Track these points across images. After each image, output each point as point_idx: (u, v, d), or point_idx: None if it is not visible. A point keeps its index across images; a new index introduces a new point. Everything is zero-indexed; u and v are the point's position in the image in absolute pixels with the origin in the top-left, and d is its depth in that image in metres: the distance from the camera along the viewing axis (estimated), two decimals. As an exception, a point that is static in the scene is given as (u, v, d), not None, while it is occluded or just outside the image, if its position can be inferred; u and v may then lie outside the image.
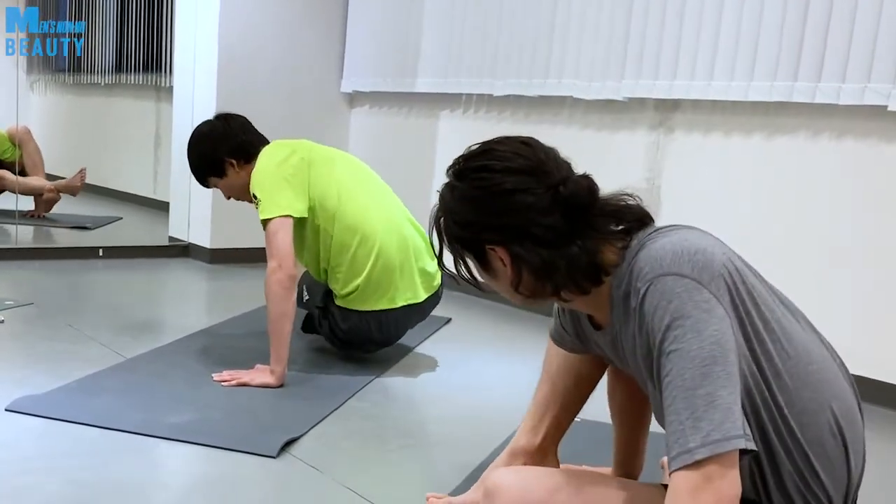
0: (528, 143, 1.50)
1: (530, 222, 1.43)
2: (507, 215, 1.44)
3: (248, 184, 2.97)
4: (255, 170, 2.94)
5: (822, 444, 1.41)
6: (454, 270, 1.55)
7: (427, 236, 3.20)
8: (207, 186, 3.14)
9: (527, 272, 1.47)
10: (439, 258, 1.57)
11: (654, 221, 1.51)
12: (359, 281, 2.98)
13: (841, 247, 3.16)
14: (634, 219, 1.48)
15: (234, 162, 3.00)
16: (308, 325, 3.26)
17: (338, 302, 3.06)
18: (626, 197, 1.50)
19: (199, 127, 3.14)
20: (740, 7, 3.38)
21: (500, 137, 1.53)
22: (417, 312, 3.13)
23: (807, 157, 3.27)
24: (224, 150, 3.00)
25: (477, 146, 1.52)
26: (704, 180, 3.59)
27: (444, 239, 1.53)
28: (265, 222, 2.83)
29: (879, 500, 2.31)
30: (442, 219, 1.53)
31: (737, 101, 3.44)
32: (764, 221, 3.37)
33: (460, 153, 1.54)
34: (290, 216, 2.84)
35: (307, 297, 3.22)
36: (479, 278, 1.55)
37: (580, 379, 1.84)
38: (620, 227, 1.47)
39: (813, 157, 3.25)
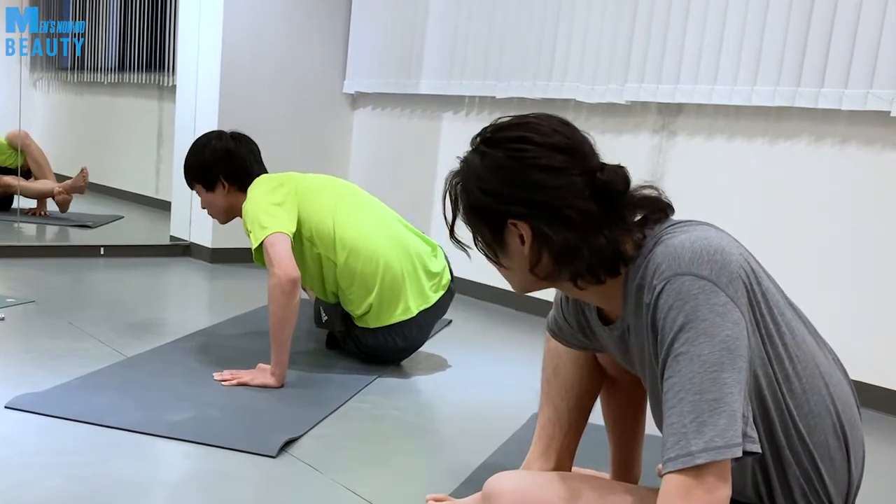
0: (567, 124, 1.47)
1: (563, 202, 1.40)
2: (540, 191, 1.40)
3: (230, 207, 3.07)
4: (244, 204, 2.97)
5: (826, 446, 1.42)
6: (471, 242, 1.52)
7: (425, 235, 3.22)
8: (192, 188, 3.18)
9: (547, 253, 1.43)
10: (451, 227, 1.52)
11: (674, 212, 1.49)
12: (371, 299, 2.99)
13: (843, 252, 3.16)
14: (659, 210, 1.46)
15: (226, 184, 3.06)
16: (331, 342, 3.28)
17: (358, 323, 3.08)
18: (648, 188, 1.48)
19: (209, 134, 3.17)
20: (744, 12, 3.38)
21: (539, 113, 1.49)
22: (435, 312, 3.14)
23: (809, 161, 3.27)
24: (223, 169, 3.05)
25: (509, 118, 1.48)
26: (707, 184, 3.59)
27: (461, 206, 1.48)
28: (260, 246, 2.83)
29: (879, 506, 2.31)
30: (460, 184, 1.48)
31: (740, 106, 3.45)
32: (766, 226, 3.36)
33: (489, 123, 1.49)
34: (284, 233, 2.84)
35: (325, 318, 3.26)
36: (496, 251, 1.50)
37: (580, 398, 1.83)
38: (642, 218, 1.45)
39: (815, 162, 3.25)
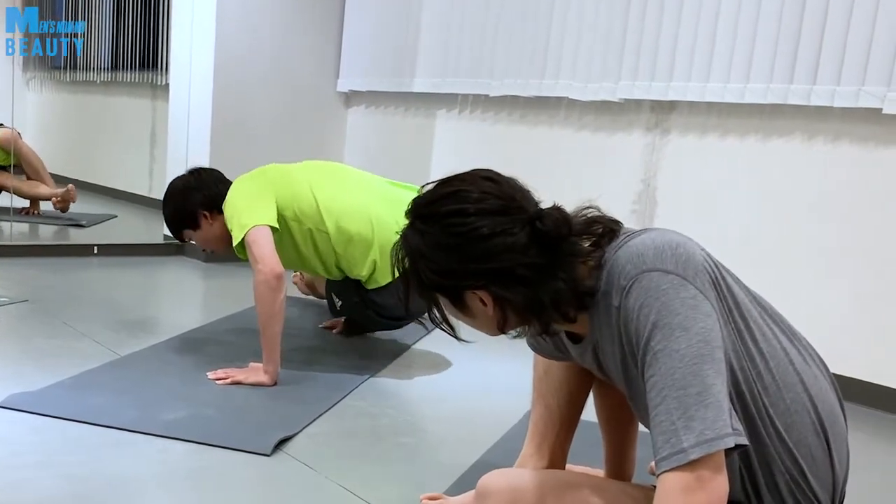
0: (494, 179, 1.45)
1: (514, 264, 1.39)
2: (489, 260, 1.40)
3: (222, 233, 3.05)
4: (224, 206, 2.99)
5: (806, 444, 1.41)
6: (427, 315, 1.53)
7: (411, 185, 3.24)
8: (183, 240, 3.20)
9: (512, 312, 1.45)
10: (406, 301, 1.52)
11: (622, 225, 1.49)
12: (372, 255, 3.01)
13: (835, 249, 3.16)
14: (609, 231, 1.46)
15: (206, 214, 3.07)
16: (351, 329, 3.28)
17: (369, 286, 3.08)
18: (589, 210, 1.47)
19: (172, 182, 3.19)
20: (736, 9, 3.38)
21: (461, 175, 1.47)
22: None
23: (802, 159, 3.27)
24: (196, 202, 3.07)
25: (436, 186, 1.47)
26: (700, 182, 3.59)
27: (419, 286, 1.48)
28: (241, 242, 2.84)
29: (879, 502, 2.32)
30: (411, 264, 1.47)
31: (732, 104, 3.45)
32: (759, 223, 3.37)
33: (420, 194, 1.48)
34: (264, 225, 2.85)
35: (340, 304, 3.25)
36: (451, 321, 1.52)
37: (572, 395, 1.83)
38: (595, 241, 1.45)
39: (808, 159, 3.26)
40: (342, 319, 3.48)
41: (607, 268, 1.41)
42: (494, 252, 1.39)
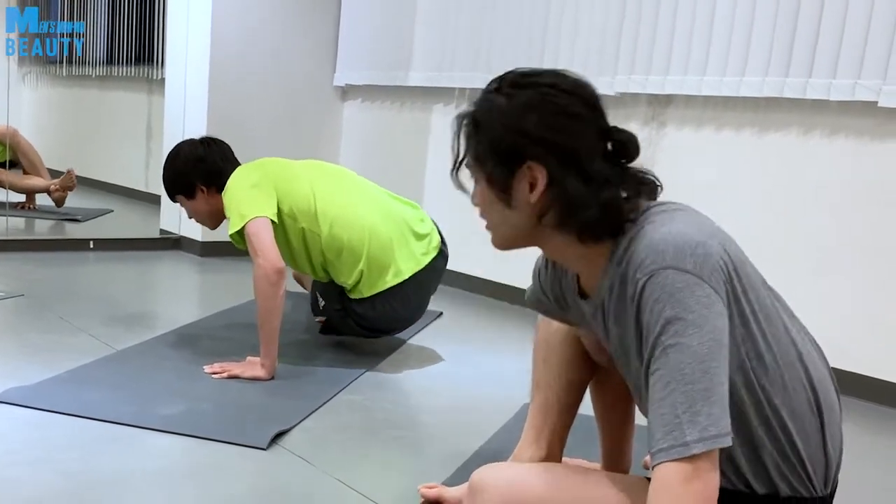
0: (588, 83, 1.47)
1: (585, 154, 1.40)
2: (567, 137, 1.40)
3: (214, 210, 3.06)
4: (223, 195, 2.98)
5: (801, 418, 1.43)
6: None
7: (412, 201, 3.22)
8: (174, 201, 3.19)
9: (558, 203, 1.42)
10: (458, 165, 1.48)
11: (658, 195, 1.50)
12: (360, 266, 2.99)
13: (832, 242, 3.17)
14: (653, 189, 1.48)
15: (204, 189, 3.06)
16: (327, 328, 3.28)
17: (352, 295, 3.07)
18: (645, 170, 1.50)
19: (180, 144, 3.18)
20: (733, 2, 3.38)
21: (554, 70, 1.48)
22: (430, 275, 3.12)
23: (798, 152, 3.27)
24: (197, 173, 3.06)
25: (530, 68, 1.47)
26: (696, 175, 3.59)
27: (474, 144, 1.46)
28: (240, 232, 2.84)
29: (880, 500, 2.32)
30: (478, 121, 1.46)
31: (729, 97, 3.45)
32: (756, 216, 3.37)
33: (514, 70, 1.48)
34: (265, 216, 2.85)
35: (323, 303, 3.23)
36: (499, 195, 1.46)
37: (571, 384, 1.84)
38: (638, 193, 1.46)
39: (804, 152, 3.26)
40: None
41: (630, 242, 1.41)
42: (575, 132, 1.40)
